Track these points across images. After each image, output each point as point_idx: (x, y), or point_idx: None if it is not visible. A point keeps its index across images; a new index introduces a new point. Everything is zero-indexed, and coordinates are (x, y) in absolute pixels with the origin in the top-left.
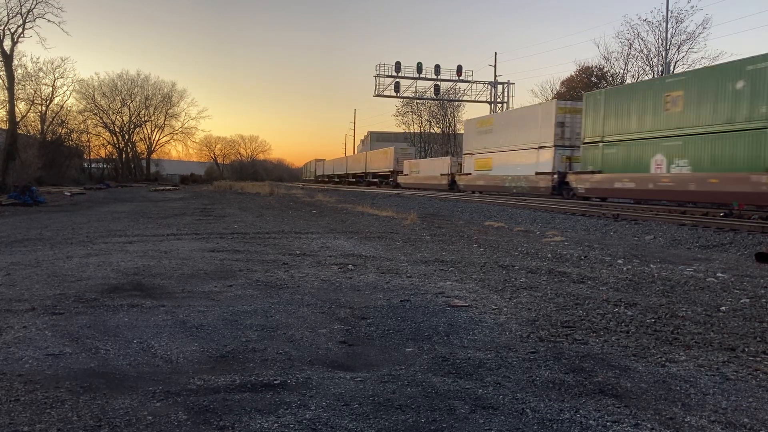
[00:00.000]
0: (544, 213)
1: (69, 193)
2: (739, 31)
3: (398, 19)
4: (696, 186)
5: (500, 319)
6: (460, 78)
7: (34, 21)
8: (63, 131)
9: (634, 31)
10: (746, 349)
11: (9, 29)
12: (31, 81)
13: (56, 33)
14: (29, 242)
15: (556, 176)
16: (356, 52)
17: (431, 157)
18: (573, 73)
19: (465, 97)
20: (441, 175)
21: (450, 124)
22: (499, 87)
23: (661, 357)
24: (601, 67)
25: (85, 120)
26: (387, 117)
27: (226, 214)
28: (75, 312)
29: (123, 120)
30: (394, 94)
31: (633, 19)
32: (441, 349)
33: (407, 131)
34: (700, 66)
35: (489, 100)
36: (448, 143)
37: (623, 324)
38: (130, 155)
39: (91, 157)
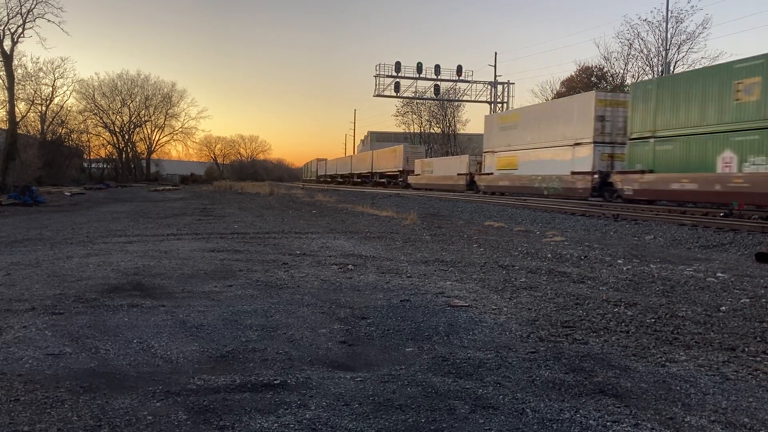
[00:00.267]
0: (544, 213)
1: (69, 193)
2: (739, 31)
3: (398, 19)
4: None
5: (500, 319)
6: (460, 78)
7: (34, 21)
8: (63, 131)
9: (634, 31)
10: (746, 349)
11: (9, 29)
12: (31, 81)
13: (56, 33)
14: (29, 242)
15: (596, 176)
16: (356, 52)
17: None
18: (573, 73)
19: (465, 97)
20: (458, 175)
21: (450, 124)
22: (499, 87)
23: (661, 357)
24: (601, 67)
25: (85, 120)
26: (387, 117)
27: (226, 214)
28: (75, 312)
29: (123, 120)
30: (394, 94)
31: (633, 19)
32: (441, 349)
33: (407, 131)
34: (700, 66)
35: (489, 100)
36: (448, 143)
37: (623, 324)
38: (130, 155)
39: (91, 157)
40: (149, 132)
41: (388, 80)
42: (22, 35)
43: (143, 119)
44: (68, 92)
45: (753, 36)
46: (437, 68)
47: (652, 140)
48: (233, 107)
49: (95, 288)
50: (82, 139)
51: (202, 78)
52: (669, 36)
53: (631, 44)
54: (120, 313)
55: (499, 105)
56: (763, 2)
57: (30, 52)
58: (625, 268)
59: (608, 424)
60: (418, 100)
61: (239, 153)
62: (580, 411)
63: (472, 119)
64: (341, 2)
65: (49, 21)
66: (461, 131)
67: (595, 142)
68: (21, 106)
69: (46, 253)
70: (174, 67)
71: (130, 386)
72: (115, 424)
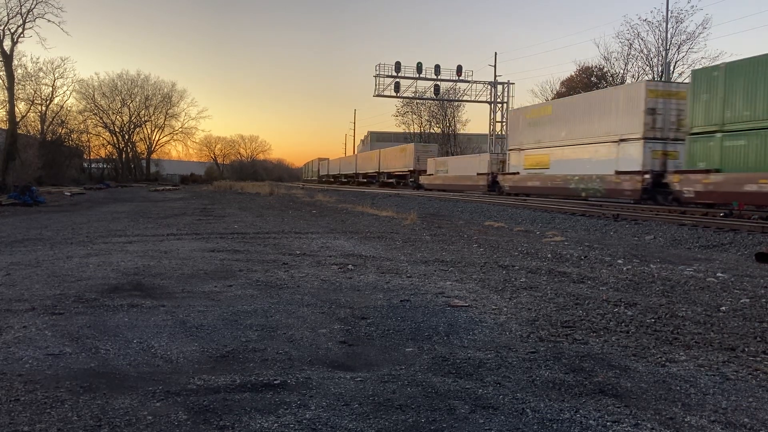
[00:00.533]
0: (544, 213)
1: (69, 193)
2: (739, 31)
3: (398, 19)
4: None
5: (500, 319)
6: (460, 78)
7: (34, 21)
8: (63, 131)
9: (634, 31)
10: (746, 349)
11: (9, 29)
12: (31, 81)
13: (56, 33)
14: (29, 242)
15: (648, 176)
16: (356, 52)
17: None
18: (573, 73)
19: (465, 97)
20: (478, 174)
21: (450, 124)
22: (499, 87)
23: (661, 357)
24: (601, 67)
25: (85, 120)
26: (387, 117)
27: (226, 214)
28: (75, 312)
29: (123, 120)
30: (394, 94)
31: (633, 19)
32: (441, 349)
33: (407, 131)
34: (700, 66)
35: (489, 100)
36: (448, 143)
37: (623, 324)
38: (130, 155)
39: (91, 157)
40: (149, 132)
41: (388, 80)
42: (22, 35)
43: (143, 119)
44: (68, 92)
45: (753, 36)
46: (437, 68)
47: (719, 135)
48: (233, 107)
49: (95, 288)
50: (82, 139)
51: (202, 78)
52: (669, 36)
53: (631, 44)
54: (120, 313)
55: (499, 105)
56: (763, 2)
57: (30, 52)
58: (625, 268)
59: (608, 424)
60: (418, 100)
61: (239, 153)
62: (580, 411)
63: (472, 119)
64: (341, 2)
65: (49, 21)
66: (461, 131)
67: (645, 138)
68: (21, 106)
69: (46, 253)
70: (174, 67)
71: (130, 386)
72: (115, 424)
